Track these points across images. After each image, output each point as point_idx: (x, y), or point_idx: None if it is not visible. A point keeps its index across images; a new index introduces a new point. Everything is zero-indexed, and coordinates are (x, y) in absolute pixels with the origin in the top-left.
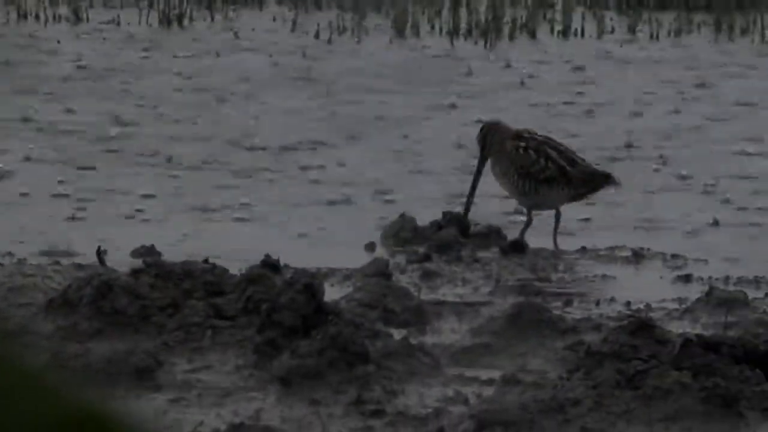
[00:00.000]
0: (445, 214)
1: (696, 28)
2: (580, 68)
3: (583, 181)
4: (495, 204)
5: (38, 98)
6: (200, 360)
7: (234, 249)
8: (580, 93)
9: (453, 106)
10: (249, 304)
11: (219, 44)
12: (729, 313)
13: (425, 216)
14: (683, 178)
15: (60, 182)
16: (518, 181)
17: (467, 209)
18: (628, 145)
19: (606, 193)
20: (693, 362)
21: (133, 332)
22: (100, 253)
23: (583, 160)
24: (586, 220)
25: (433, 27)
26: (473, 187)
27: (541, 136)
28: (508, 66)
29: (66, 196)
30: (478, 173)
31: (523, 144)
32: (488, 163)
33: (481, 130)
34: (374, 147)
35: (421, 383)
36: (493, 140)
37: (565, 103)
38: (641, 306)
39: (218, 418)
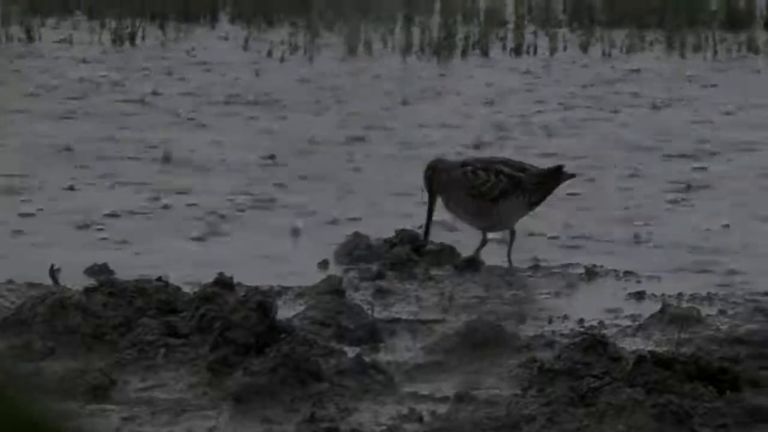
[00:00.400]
0: (398, 232)
1: (648, 45)
2: (532, 85)
3: (538, 183)
4: (448, 223)
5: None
6: (154, 378)
7: (187, 267)
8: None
9: (396, 124)
10: (202, 322)
11: (171, 63)
12: (682, 330)
13: (378, 234)
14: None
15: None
16: (474, 203)
17: (426, 237)
18: (592, 166)
19: (565, 189)
20: (646, 379)
21: (86, 350)
22: (53, 272)
23: (533, 165)
24: (541, 235)
25: (385, 45)
26: (427, 227)
27: (485, 157)
28: (459, 82)
29: (31, 215)
30: (430, 214)
31: (470, 168)
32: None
33: (426, 171)
34: (325, 164)
35: (374, 401)
36: (440, 178)
37: (521, 117)
38: (594, 323)
39: None
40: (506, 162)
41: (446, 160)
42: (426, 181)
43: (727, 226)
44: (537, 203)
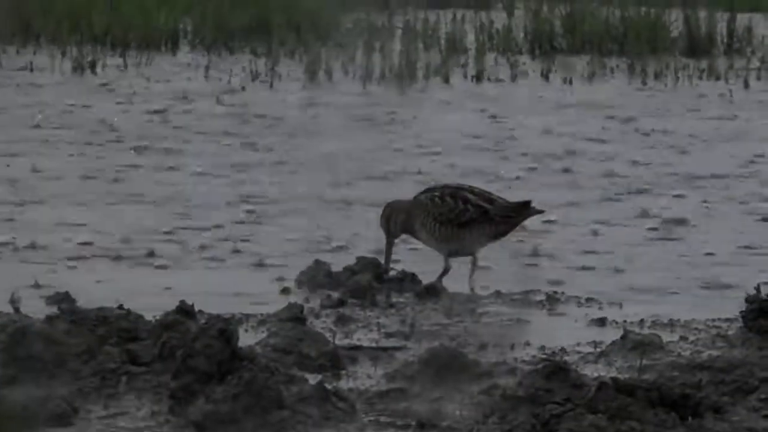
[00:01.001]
0: (359, 259)
1: (609, 71)
2: (493, 114)
3: (506, 217)
4: (410, 250)
5: None
6: (116, 406)
7: (149, 295)
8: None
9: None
10: (164, 350)
11: (131, 90)
12: (644, 357)
13: (339, 261)
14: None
15: None
16: (439, 229)
17: (386, 267)
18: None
19: (531, 223)
20: (608, 405)
21: (48, 378)
22: (14, 300)
23: (500, 197)
24: (502, 262)
25: (346, 72)
26: (387, 263)
27: (452, 183)
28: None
29: None
30: (388, 254)
31: (437, 194)
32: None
33: (383, 213)
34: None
35: (336, 428)
36: (398, 220)
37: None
38: (556, 350)
39: None
40: (473, 190)
41: (401, 201)
42: (384, 223)
43: (685, 255)
44: (502, 235)
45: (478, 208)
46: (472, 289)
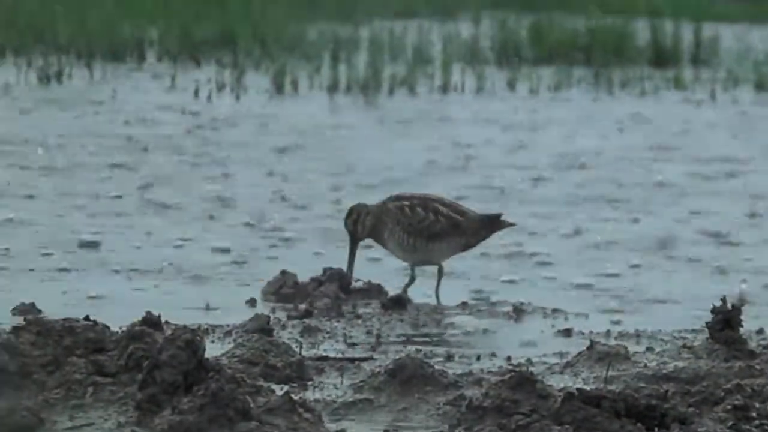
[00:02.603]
0: (325, 270)
1: (576, 82)
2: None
3: (476, 229)
4: (377, 261)
5: None
6: (82, 417)
7: (115, 306)
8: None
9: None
10: (130, 361)
11: (97, 102)
12: (610, 368)
13: (306, 272)
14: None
15: None
16: (408, 238)
17: (349, 274)
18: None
19: (499, 237)
20: (574, 416)
21: (14, 389)
22: None
23: (470, 209)
24: (468, 273)
25: (312, 83)
26: (350, 268)
27: (419, 193)
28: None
29: None
30: (351, 257)
31: (407, 203)
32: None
33: (350, 214)
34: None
35: None
36: (366, 223)
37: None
38: (522, 360)
39: None
40: (443, 201)
41: (369, 205)
42: (351, 224)
43: (652, 266)
44: (471, 246)
45: (449, 219)
46: (438, 300)
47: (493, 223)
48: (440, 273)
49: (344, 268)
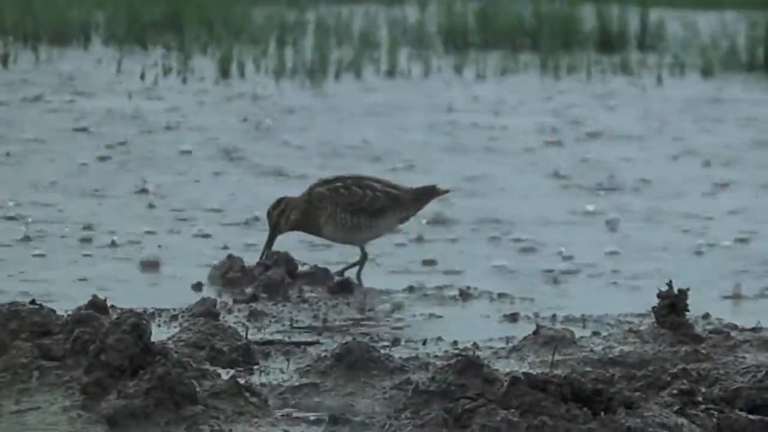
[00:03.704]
0: (272, 254)
1: (522, 67)
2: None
3: (413, 200)
4: (325, 245)
5: None
6: (28, 401)
7: (61, 289)
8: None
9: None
10: (76, 345)
11: (44, 85)
12: (556, 352)
13: (253, 257)
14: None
15: None
16: (351, 218)
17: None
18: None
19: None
20: (521, 401)
21: None
22: None
23: (400, 184)
24: (415, 257)
25: (258, 67)
26: (264, 254)
27: (352, 174)
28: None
29: None
30: (269, 247)
31: (339, 184)
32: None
33: (276, 207)
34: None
35: (249, 423)
36: (290, 216)
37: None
38: (468, 345)
39: None
40: (373, 178)
41: (294, 197)
42: (276, 215)
43: (608, 251)
44: (406, 219)
45: (386, 194)
46: (360, 282)
47: (428, 193)
48: (363, 257)
49: (290, 252)
